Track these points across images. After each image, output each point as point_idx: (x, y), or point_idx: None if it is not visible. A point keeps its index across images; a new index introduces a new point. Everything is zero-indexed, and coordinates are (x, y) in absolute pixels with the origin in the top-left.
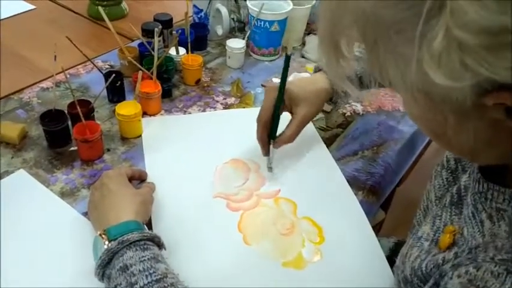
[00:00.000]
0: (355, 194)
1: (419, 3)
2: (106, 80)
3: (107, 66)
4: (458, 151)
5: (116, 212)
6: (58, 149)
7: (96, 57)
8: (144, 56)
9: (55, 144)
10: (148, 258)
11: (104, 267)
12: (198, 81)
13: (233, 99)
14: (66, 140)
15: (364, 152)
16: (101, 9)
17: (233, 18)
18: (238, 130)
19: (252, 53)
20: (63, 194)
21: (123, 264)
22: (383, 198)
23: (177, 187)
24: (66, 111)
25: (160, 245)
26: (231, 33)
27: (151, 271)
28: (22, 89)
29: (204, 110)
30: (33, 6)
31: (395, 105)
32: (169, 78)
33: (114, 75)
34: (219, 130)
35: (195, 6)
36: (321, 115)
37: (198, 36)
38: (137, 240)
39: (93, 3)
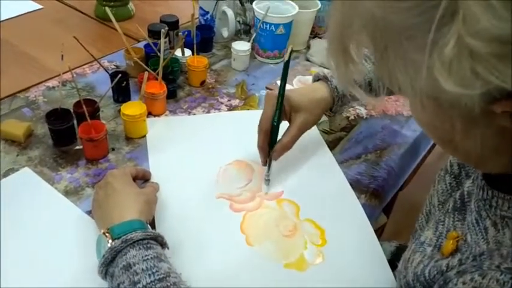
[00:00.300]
0: (358, 197)
1: (432, 10)
2: (112, 80)
3: (113, 67)
4: (465, 158)
5: (119, 210)
6: (63, 147)
7: (102, 57)
8: (149, 57)
9: (60, 143)
10: (151, 257)
11: (107, 266)
12: (203, 83)
13: (237, 101)
14: (71, 138)
15: (367, 155)
16: (108, 10)
17: (239, 21)
18: (242, 132)
19: (257, 56)
20: (67, 193)
21: (126, 262)
22: (385, 202)
23: (180, 187)
24: (71, 110)
25: (163, 244)
26: (237, 35)
27: (154, 270)
28: (28, 88)
29: (208, 112)
30: (40, 6)
31: (399, 109)
32: (174, 79)
33: (120, 75)
34: (223, 131)
35: (201, 8)
36: (324, 118)
37: (203, 38)
38: (140, 239)
39: (100, 4)
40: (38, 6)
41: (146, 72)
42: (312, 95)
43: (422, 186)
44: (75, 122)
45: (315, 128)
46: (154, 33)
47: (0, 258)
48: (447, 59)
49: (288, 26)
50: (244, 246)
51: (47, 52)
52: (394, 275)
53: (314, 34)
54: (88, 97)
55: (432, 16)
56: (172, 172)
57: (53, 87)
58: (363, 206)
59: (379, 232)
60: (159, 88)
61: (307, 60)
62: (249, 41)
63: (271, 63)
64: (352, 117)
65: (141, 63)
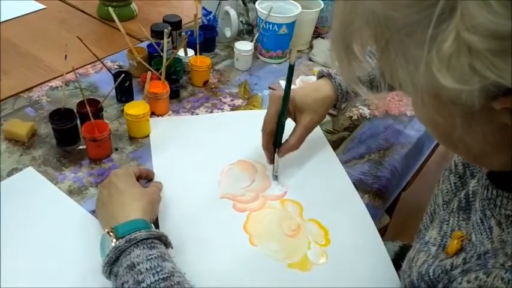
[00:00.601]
0: (361, 197)
1: (431, 7)
2: (115, 80)
3: (116, 67)
4: (466, 155)
5: (123, 210)
6: (66, 147)
7: (105, 57)
8: (152, 57)
9: (64, 143)
10: (155, 257)
11: (111, 265)
12: (205, 83)
13: (240, 100)
14: (74, 138)
15: (370, 155)
16: (111, 10)
17: (242, 21)
18: (245, 132)
19: (259, 56)
20: (71, 192)
21: (130, 262)
22: (389, 202)
23: (184, 187)
24: (75, 110)
25: (167, 243)
26: (240, 35)
27: (158, 269)
28: (31, 88)
29: (211, 111)
30: (43, 6)
31: (402, 109)
32: (177, 79)
33: (123, 75)
34: (226, 131)
35: (204, 8)
36: (327, 118)
37: (206, 38)
38: (144, 239)
39: (102, 4)
40: (41, 6)
41: (149, 72)
42: (316, 94)
43: (425, 186)
44: (78, 121)
45: (318, 128)
46: (157, 33)
47: (3, 257)
48: (446, 55)
49: (291, 26)
50: (247, 246)
51: (50, 52)
52: (398, 274)
53: (317, 34)
54: (91, 97)
55: (431, 13)
56: (176, 172)
57: (56, 87)
58: (367, 205)
59: (382, 232)
60: (162, 88)
61: (310, 60)
62: (251, 41)
63: (274, 63)
64: (355, 117)
65: (144, 63)
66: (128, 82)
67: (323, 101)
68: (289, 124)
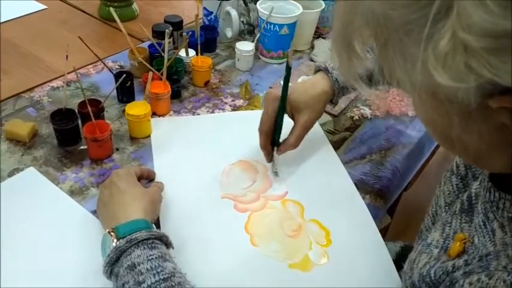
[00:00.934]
0: (363, 198)
1: (427, 6)
2: (116, 80)
3: (117, 67)
4: (464, 155)
5: (124, 210)
6: (68, 147)
7: (106, 57)
8: (154, 57)
9: (65, 143)
10: (156, 257)
11: (112, 265)
12: (207, 83)
13: (241, 101)
14: (76, 138)
15: (372, 155)
16: (112, 10)
17: (243, 21)
18: (246, 132)
19: (261, 56)
20: (72, 192)
21: (131, 262)
22: (390, 202)
23: (185, 187)
24: (76, 110)
25: (168, 244)
26: (241, 35)
27: (158, 270)
28: (33, 88)
29: (212, 112)
30: (44, 6)
31: (403, 109)
32: (178, 80)
33: (124, 75)
34: (227, 131)
35: (205, 8)
36: (329, 118)
37: (207, 38)
38: (145, 239)
39: (104, 4)
40: (42, 6)
41: (150, 73)
42: (312, 90)
43: (426, 186)
44: (79, 122)
45: (319, 128)
46: (158, 34)
47: (4, 257)
48: (442, 53)
49: (292, 26)
50: (248, 246)
51: (51, 52)
52: (400, 275)
53: (318, 34)
54: (92, 97)
55: (428, 12)
56: (177, 172)
57: (58, 88)
58: (368, 206)
59: (383, 232)
60: (163, 88)
61: (311, 60)
62: (252, 41)
63: (275, 64)
64: (356, 117)
65: (145, 63)
66: (129, 82)
67: (319, 97)
68: (287, 122)
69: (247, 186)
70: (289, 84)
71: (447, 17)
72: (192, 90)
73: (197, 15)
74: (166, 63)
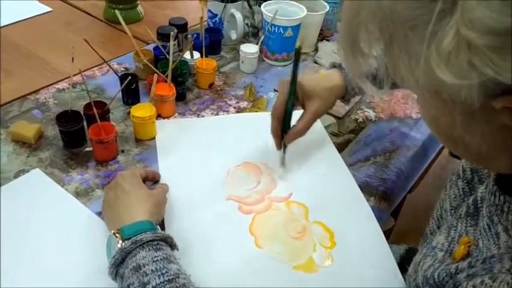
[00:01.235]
0: (367, 200)
1: (433, 2)
2: (121, 83)
3: (122, 69)
4: (467, 155)
5: (129, 211)
6: (73, 149)
7: (111, 59)
8: (159, 60)
9: (70, 145)
10: (160, 259)
11: (117, 267)
12: (211, 85)
13: (246, 103)
14: (81, 140)
15: (376, 158)
16: (117, 12)
17: (247, 24)
18: (251, 134)
19: (265, 58)
20: (77, 194)
21: (136, 264)
22: (395, 205)
23: (189, 189)
24: (82, 112)
25: (172, 245)
26: (245, 38)
27: (163, 271)
28: (38, 90)
29: (217, 114)
30: (50, 9)
31: (407, 112)
32: (183, 82)
33: (129, 77)
34: (231, 133)
35: (209, 11)
36: (333, 120)
37: (212, 41)
38: (150, 241)
39: (109, 7)
40: (47, 8)
41: (155, 75)
42: (325, 82)
43: (431, 188)
44: (85, 123)
45: (323, 130)
46: (163, 36)
47: (10, 258)
48: (445, 51)
49: (296, 28)
50: (253, 248)
51: (57, 54)
52: (404, 278)
53: (322, 37)
54: (98, 99)
55: (433, 8)
56: (182, 174)
57: (63, 90)
58: (372, 208)
59: (387, 234)
60: (168, 90)
61: (315, 62)
62: (257, 44)
63: (279, 66)
64: (360, 119)
65: (150, 65)
66: (134, 84)
67: (332, 89)
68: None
69: (252, 187)
70: (304, 75)
71: (452, 14)
72: (196, 92)
73: (202, 18)
74: (171, 65)
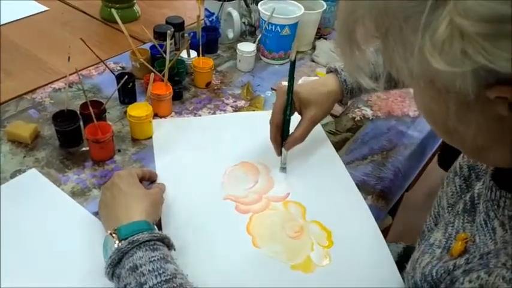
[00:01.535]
0: (364, 198)
1: None
2: (118, 82)
3: (119, 68)
4: (462, 147)
5: (126, 212)
6: (70, 149)
7: (108, 59)
8: (155, 59)
9: (67, 144)
10: (157, 259)
11: (114, 267)
12: (208, 84)
13: (243, 102)
14: (77, 140)
15: (373, 156)
16: (114, 11)
17: (244, 22)
18: (248, 133)
19: (262, 57)
20: (74, 194)
21: (133, 264)
22: (392, 203)
23: (187, 188)
24: (78, 112)
25: (169, 245)
26: (242, 36)
27: (160, 271)
28: (35, 89)
29: (214, 113)
30: (46, 8)
31: (405, 110)
32: (180, 81)
33: (126, 77)
34: (228, 133)
35: (206, 9)
36: (330, 119)
37: (209, 40)
38: (147, 241)
39: (105, 6)
40: (43, 8)
41: (152, 74)
42: (321, 88)
43: (428, 187)
44: (81, 123)
45: (321, 129)
46: (160, 35)
47: (6, 258)
48: (439, 40)
49: (294, 27)
50: (250, 247)
51: (53, 54)
52: (402, 276)
53: (319, 35)
54: (94, 98)
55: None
56: (179, 173)
57: (60, 89)
58: (370, 207)
59: (384, 233)
60: (165, 89)
61: (313, 61)
62: (254, 42)
63: (276, 64)
64: (358, 118)
65: (147, 64)
66: (130, 84)
67: (328, 95)
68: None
69: (249, 187)
70: (300, 82)
71: (445, 5)
72: (193, 91)
73: (199, 16)
74: (167, 64)
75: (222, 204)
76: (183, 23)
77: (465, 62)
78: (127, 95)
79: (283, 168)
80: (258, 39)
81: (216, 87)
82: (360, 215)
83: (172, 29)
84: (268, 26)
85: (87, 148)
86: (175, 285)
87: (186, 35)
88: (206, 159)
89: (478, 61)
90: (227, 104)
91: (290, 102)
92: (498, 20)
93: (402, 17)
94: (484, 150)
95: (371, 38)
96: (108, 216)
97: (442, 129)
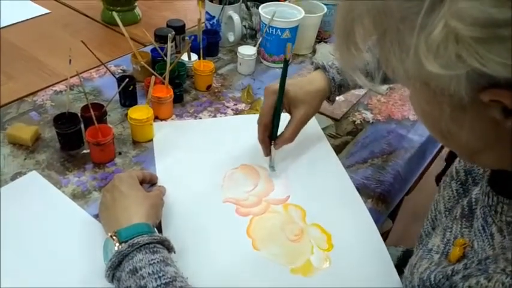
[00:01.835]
0: (364, 202)
1: None
2: (119, 85)
3: (120, 71)
4: (457, 150)
5: (126, 214)
6: (70, 151)
7: (109, 61)
8: (156, 61)
9: (67, 147)
10: (157, 261)
11: (114, 269)
12: (209, 87)
13: (243, 105)
14: (78, 142)
15: (373, 160)
16: (115, 15)
17: (245, 25)
18: (248, 136)
19: (262, 60)
20: (74, 196)
21: (133, 266)
22: (392, 207)
23: (187, 191)
24: (79, 114)
25: (169, 248)
26: (243, 40)
27: (160, 274)
28: (36, 92)
29: (214, 116)
30: (47, 11)
31: (405, 113)
32: (181, 84)
33: (127, 79)
34: (229, 136)
35: (207, 12)
36: (330, 122)
37: (210, 43)
38: (147, 243)
39: (106, 9)
40: (45, 10)
41: (153, 77)
42: (309, 87)
43: (428, 190)
44: (82, 126)
45: (321, 132)
46: (160, 38)
47: (7, 260)
48: (434, 43)
49: (294, 30)
50: (250, 250)
51: (54, 56)
52: (401, 280)
53: (320, 38)
54: (95, 101)
55: (424, 1)
56: (179, 176)
57: (61, 91)
58: (370, 210)
59: (384, 236)
60: (165, 92)
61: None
62: (254, 46)
63: (276, 68)
64: (358, 121)
65: (147, 67)
66: (131, 86)
67: (316, 93)
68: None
69: (249, 190)
70: (287, 80)
71: (440, 7)
72: (194, 94)
73: (199, 20)
74: (168, 67)
75: (222, 207)
76: (183, 26)
77: (459, 65)
78: (128, 98)
79: (272, 167)
80: (258, 42)
81: (216, 90)
82: (359, 218)
83: (173, 32)
84: (269, 30)
85: (88, 151)
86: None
87: (186, 38)
88: (206, 162)
89: (471, 64)
90: (228, 107)
91: (281, 102)
92: (491, 24)
93: (399, 17)
94: (478, 153)
95: (369, 38)
96: (109, 218)
97: (436, 132)
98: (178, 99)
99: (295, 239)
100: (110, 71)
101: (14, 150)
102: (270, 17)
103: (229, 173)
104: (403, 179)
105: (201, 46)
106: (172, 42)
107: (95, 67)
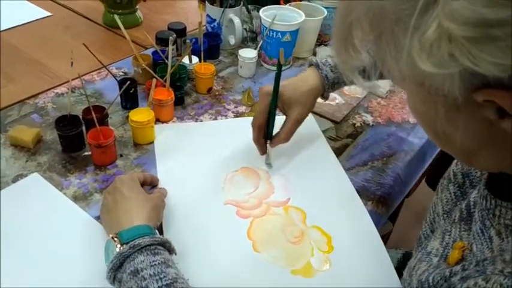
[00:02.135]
0: (365, 204)
1: None
2: (120, 87)
3: (121, 74)
4: (453, 151)
5: (128, 216)
6: (72, 153)
7: (110, 64)
8: (157, 64)
9: (69, 149)
10: (159, 263)
11: (115, 271)
12: (210, 90)
13: (244, 107)
14: (80, 144)
15: (373, 162)
16: (117, 17)
17: (245, 29)
18: (249, 138)
19: (263, 63)
20: (76, 198)
21: (134, 268)
22: (392, 209)
23: (188, 193)
24: (80, 117)
25: (171, 249)
26: (243, 43)
27: (161, 275)
28: (37, 94)
29: (215, 118)
30: (49, 13)
31: (405, 116)
32: (181, 86)
33: (128, 82)
34: (230, 138)
35: (208, 15)
36: (331, 125)
37: (210, 46)
38: (148, 245)
39: (108, 12)
40: (47, 13)
41: (154, 79)
42: (303, 86)
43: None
44: (83, 128)
45: (321, 134)
46: (162, 41)
47: (8, 262)
48: (428, 43)
49: (295, 33)
50: (251, 252)
51: (56, 59)
52: (401, 282)
53: (320, 42)
54: (96, 103)
55: (417, 1)
56: (180, 178)
57: (62, 94)
58: (370, 213)
59: (384, 239)
60: (166, 95)
61: None
62: (255, 49)
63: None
64: (358, 124)
65: (149, 70)
66: (133, 89)
67: (309, 92)
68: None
69: (250, 192)
70: (281, 81)
71: (434, 8)
72: (195, 97)
73: (200, 23)
74: (169, 70)
75: (223, 209)
76: (185, 29)
77: (452, 64)
78: (129, 100)
79: (269, 164)
80: (259, 45)
81: (217, 93)
82: (360, 220)
83: (174, 35)
84: (270, 33)
85: (89, 153)
86: None
87: (187, 41)
88: (207, 164)
89: (464, 64)
90: (228, 110)
91: (275, 104)
92: (483, 24)
93: (394, 19)
94: (473, 154)
95: (367, 40)
96: (110, 220)
97: (431, 132)
98: (179, 102)
99: (295, 241)
100: (111, 73)
101: (16, 153)
102: (270, 20)
103: (230, 176)
104: (403, 182)
105: (202, 49)
106: (173, 45)
107: (96, 69)
